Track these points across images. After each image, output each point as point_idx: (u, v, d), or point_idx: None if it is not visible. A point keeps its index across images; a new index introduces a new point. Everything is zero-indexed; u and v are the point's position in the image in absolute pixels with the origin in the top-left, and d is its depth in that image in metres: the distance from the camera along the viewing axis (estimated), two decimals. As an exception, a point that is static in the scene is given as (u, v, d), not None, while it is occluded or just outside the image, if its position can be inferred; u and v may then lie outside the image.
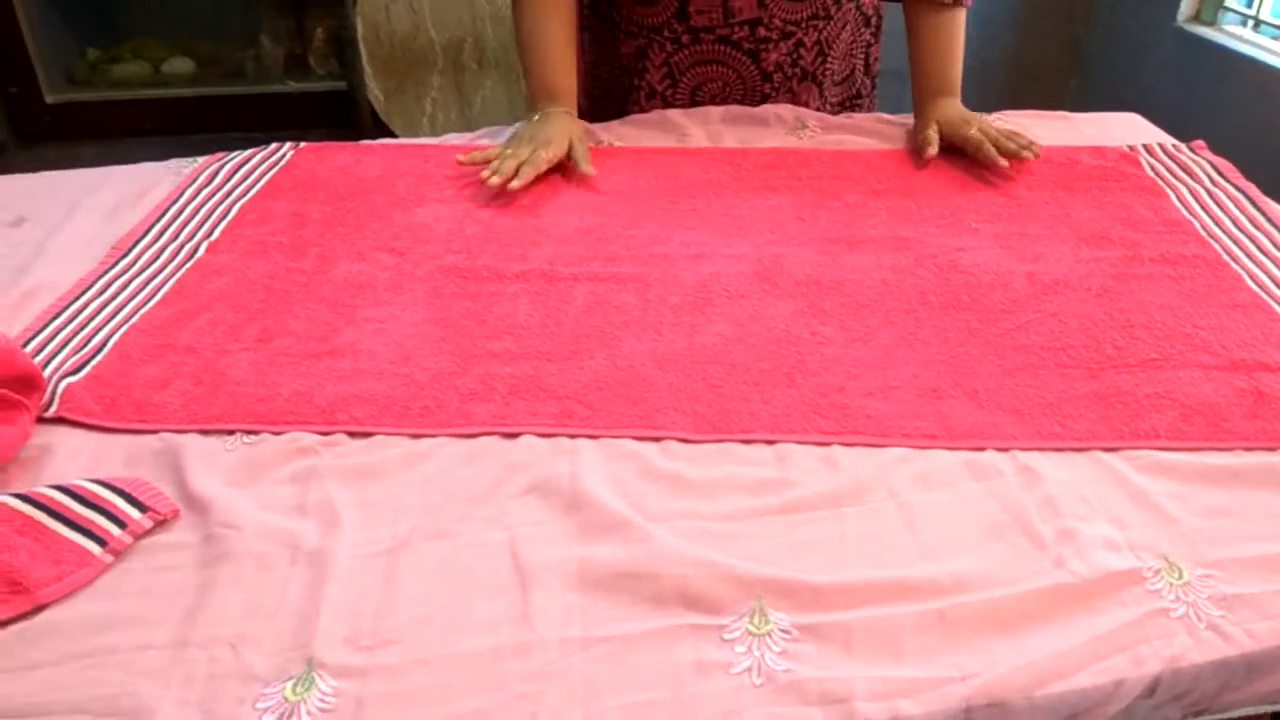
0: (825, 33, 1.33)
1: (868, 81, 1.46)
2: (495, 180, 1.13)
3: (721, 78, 1.34)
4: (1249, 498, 0.75)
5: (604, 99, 1.41)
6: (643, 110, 1.36)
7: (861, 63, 1.43)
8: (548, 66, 1.26)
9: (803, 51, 1.33)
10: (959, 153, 1.24)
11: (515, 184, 1.13)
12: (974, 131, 1.22)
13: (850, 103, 1.45)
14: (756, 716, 0.59)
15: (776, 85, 1.35)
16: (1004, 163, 1.18)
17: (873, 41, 1.43)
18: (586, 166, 1.18)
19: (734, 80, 1.34)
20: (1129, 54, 2.25)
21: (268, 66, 2.45)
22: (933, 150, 1.22)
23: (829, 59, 1.37)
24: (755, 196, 1.17)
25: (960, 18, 1.28)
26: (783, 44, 1.31)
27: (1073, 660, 0.63)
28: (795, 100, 1.38)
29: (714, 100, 1.36)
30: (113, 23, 2.48)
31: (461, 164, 1.19)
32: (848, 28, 1.37)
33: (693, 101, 1.36)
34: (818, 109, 1.39)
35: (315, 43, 2.40)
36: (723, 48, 1.31)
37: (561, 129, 1.22)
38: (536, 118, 1.25)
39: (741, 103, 1.36)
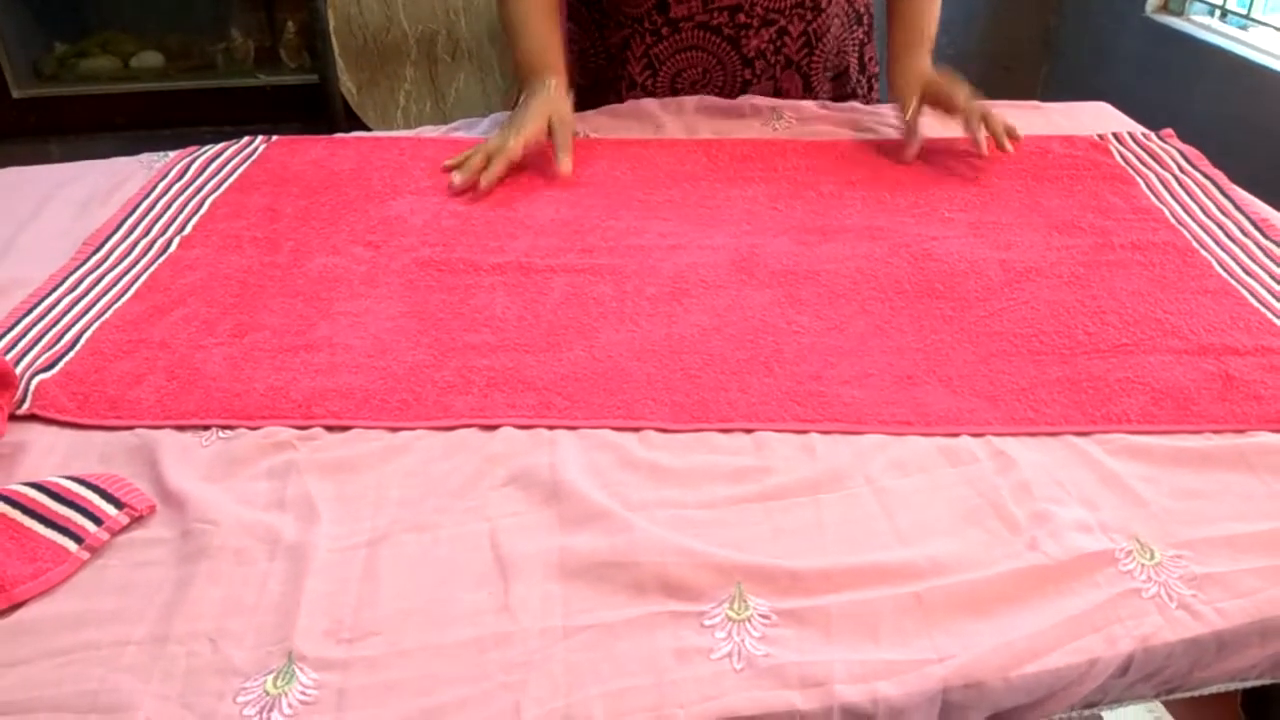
0: (814, 24, 1.33)
1: (864, 80, 1.45)
2: (458, 179, 1.13)
3: (701, 64, 1.33)
4: (1218, 479, 0.76)
5: (592, 88, 1.41)
6: (622, 102, 1.36)
7: (856, 60, 1.42)
8: (531, 40, 1.24)
9: (787, 40, 1.32)
10: (935, 144, 1.25)
11: (484, 180, 1.13)
12: (967, 100, 1.20)
13: (844, 101, 1.43)
14: (737, 701, 0.59)
15: (758, 72, 1.35)
16: (985, 150, 1.18)
17: (865, 40, 1.43)
18: (564, 161, 1.16)
19: (714, 66, 1.34)
20: (1099, 44, 2.27)
21: (238, 60, 2.42)
22: (915, 145, 1.21)
23: (816, 51, 1.36)
24: (731, 187, 1.18)
25: None
26: (764, 31, 1.31)
27: (1047, 641, 0.63)
28: (778, 88, 1.37)
29: (694, 87, 1.35)
30: (80, 17, 2.44)
31: (447, 168, 1.18)
32: (837, 20, 1.36)
33: (672, 89, 1.35)
34: (802, 99, 1.39)
35: (286, 35, 2.38)
36: (702, 34, 1.30)
37: (540, 109, 1.19)
38: (522, 98, 1.23)
39: (722, 89, 1.35)
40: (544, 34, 1.25)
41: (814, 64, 1.37)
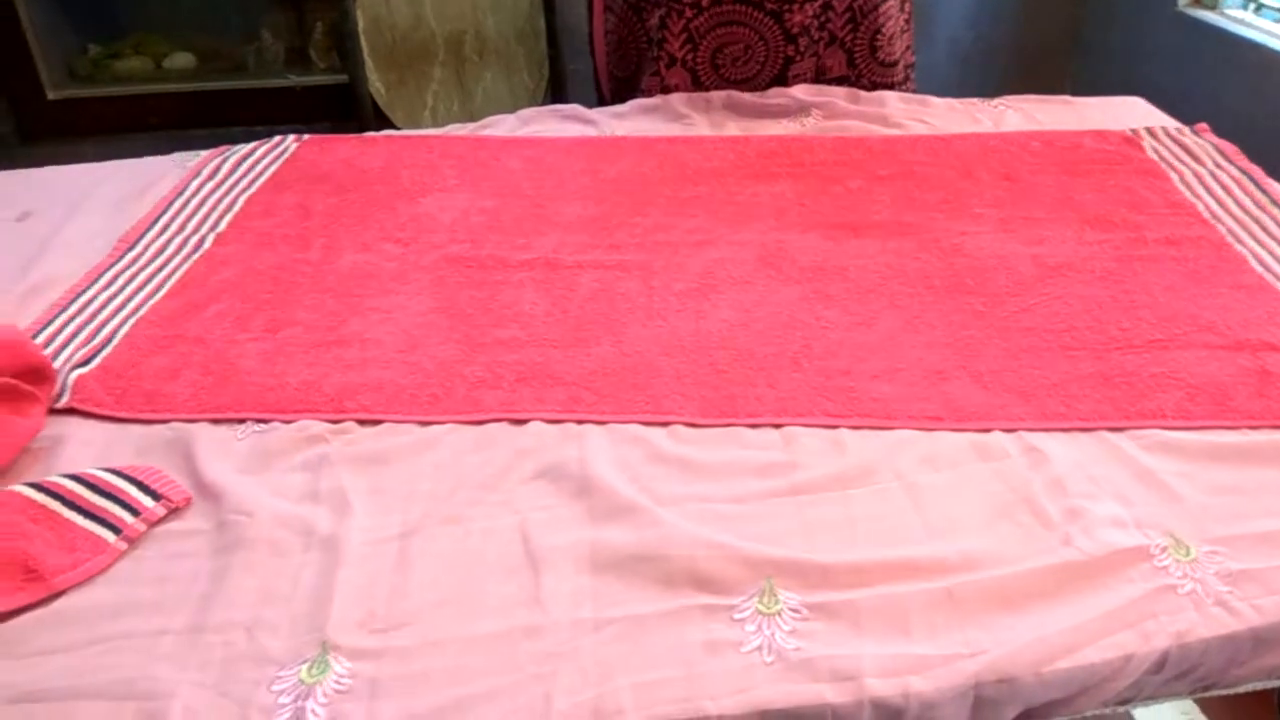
0: (860, 0, 1.31)
1: (902, 70, 1.43)
2: None
3: (743, 39, 1.31)
4: (1255, 475, 0.75)
5: (628, 80, 1.40)
6: (663, 79, 1.35)
7: (902, 47, 1.40)
8: None
9: (832, 15, 1.30)
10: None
11: None
12: None
13: (884, 90, 1.40)
14: (768, 693, 0.60)
15: (802, 49, 1.32)
16: None
17: (905, 28, 1.40)
18: None
19: (756, 41, 1.31)
20: (1130, 38, 2.24)
21: (269, 61, 2.45)
22: None
23: (862, 27, 1.33)
24: (759, 183, 1.17)
25: None
26: (809, 5, 1.28)
27: (1081, 636, 0.63)
28: (820, 65, 1.35)
29: (735, 64, 1.33)
30: (114, 18, 2.47)
31: None
32: (889, 2, 1.34)
33: (713, 65, 1.33)
34: (842, 79, 1.37)
35: (316, 36, 2.40)
36: (743, 8, 1.28)
37: None
38: None
39: (764, 66, 1.33)
40: None
41: (859, 41, 1.34)
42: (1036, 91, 1.44)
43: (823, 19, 1.30)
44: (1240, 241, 1.04)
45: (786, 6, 1.28)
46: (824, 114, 1.32)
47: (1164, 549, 0.69)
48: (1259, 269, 1.00)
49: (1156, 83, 1.98)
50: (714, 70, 1.33)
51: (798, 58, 1.33)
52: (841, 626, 0.63)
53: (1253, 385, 0.83)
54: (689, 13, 1.28)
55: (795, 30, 1.30)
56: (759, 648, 0.62)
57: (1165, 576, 0.67)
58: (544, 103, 2.16)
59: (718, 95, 1.34)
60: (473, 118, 1.46)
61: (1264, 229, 1.07)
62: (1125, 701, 0.67)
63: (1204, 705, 1.33)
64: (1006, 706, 0.62)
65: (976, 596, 0.65)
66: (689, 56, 1.32)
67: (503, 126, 1.34)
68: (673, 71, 1.34)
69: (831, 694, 0.60)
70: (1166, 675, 0.65)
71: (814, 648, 0.62)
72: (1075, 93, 1.44)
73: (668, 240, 1.06)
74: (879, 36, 1.35)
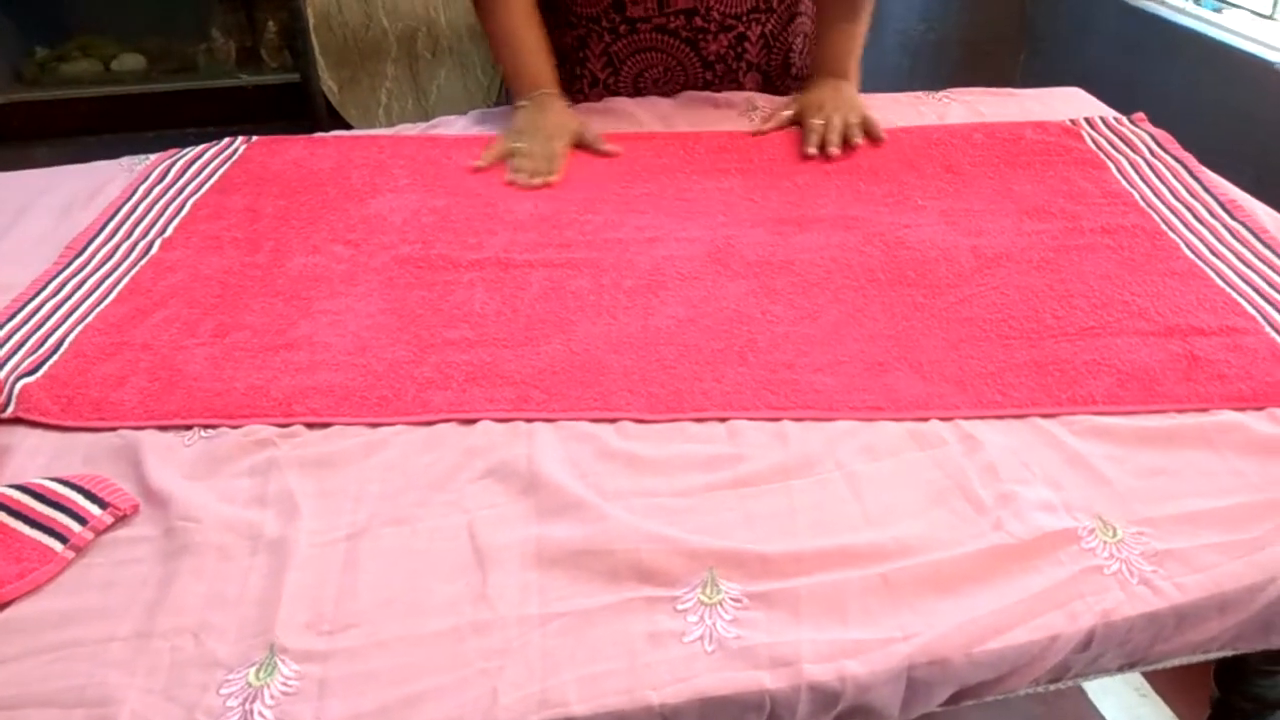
0: (769, 26, 1.34)
1: None
2: (537, 180, 1.16)
3: (662, 63, 1.35)
4: (1182, 457, 0.78)
5: None
6: (587, 99, 1.37)
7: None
8: (526, 54, 1.28)
9: (747, 45, 1.34)
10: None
11: (554, 178, 1.17)
12: (815, 119, 1.24)
13: None
14: (708, 681, 0.61)
15: (719, 74, 1.37)
16: (812, 150, 1.21)
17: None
18: (608, 146, 1.22)
19: (675, 66, 1.35)
20: (1075, 28, 2.28)
21: (219, 61, 2.43)
22: (763, 127, 1.27)
23: (774, 52, 1.37)
24: (707, 179, 1.19)
25: (866, 8, 1.31)
26: (723, 36, 1.32)
27: (1010, 617, 0.65)
28: (740, 88, 1.39)
29: (656, 86, 1.37)
30: (60, 20, 2.44)
31: (480, 168, 1.20)
32: (797, 20, 1.37)
33: (635, 88, 1.37)
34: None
35: (267, 35, 2.38)
36: (660, 36, 1.32)
37: (561, 116, 1.25)
38: (525, 104, 1.27)
39: (684, 88, 1.37)
40: (536, 46, 1.28)
41: (773, 62, 1.38)
42: (986, 82, 1.46)
43: (738, 49, 1.34)
44: (1173, 229, 1.07)
45: (701, 36, 1.32)
46: (772, 109, 1.34)
47: (1091, 531, 0.71)
48: (1190, 255, 1.02)
49: (1100, 71, 2.01)
50: (637, 93, 1.37)
51: (716, 82, 1.38)
52: (781, 614, 0.65)
53: (1180, 370, 0.86)
54: (607, 37, 1.32)
55: (711, 58, 1.34)
56: (700, 637, 0.64)
57: (1092, 558, 0.69)
58: (499, 100, 2.16)
59: (665, 99, 1.35)
60: (427, 115, 1.46)
61: (1196, 216, 1.10)
62: (1056, 679, 0.69)
63: (1151, 677, 1.36)
64: (939, 687, 0.64)
65: (911, 582, 0.67)
66: (611, 79, 1.36)
67: (455, 127, 1.35)
68: (596, 91, 1.37)
69: (770, 680, 0.61)
70: (1094, 653, 0.67)
71: (754, 636, 0.64)
72: (1023, 82, 1.47)
73: (617, 238, 1.07)
74: (791, 54, 1.39)
